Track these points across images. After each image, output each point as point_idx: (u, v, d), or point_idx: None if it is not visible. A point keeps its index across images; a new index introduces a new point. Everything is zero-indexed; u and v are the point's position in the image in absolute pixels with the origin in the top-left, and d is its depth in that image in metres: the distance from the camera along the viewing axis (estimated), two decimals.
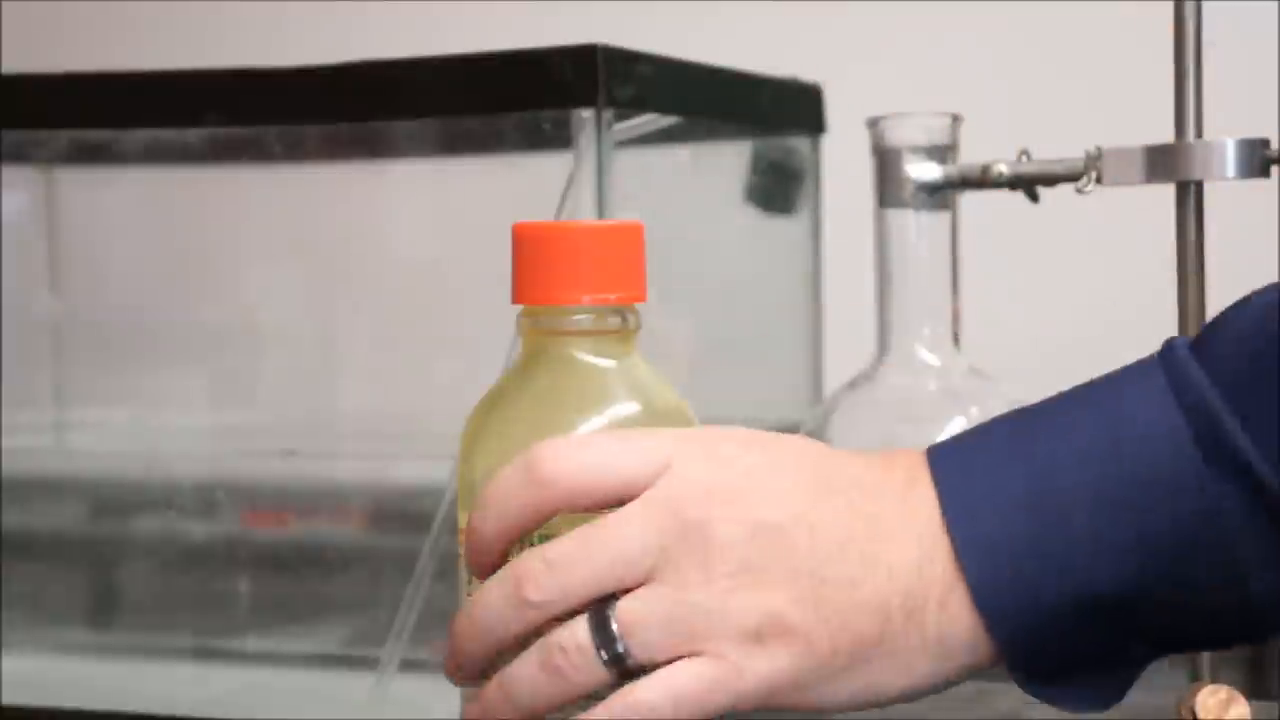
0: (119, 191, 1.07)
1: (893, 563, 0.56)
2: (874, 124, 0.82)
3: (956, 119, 0.82)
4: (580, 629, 0.55)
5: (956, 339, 0.84)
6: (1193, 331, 0.75)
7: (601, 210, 0.84)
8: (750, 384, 0.98)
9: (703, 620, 0.54)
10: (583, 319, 0.59)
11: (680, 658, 0.55)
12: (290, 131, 0.93)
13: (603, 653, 0.54)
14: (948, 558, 0.56)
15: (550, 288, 0.59)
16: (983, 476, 0.56)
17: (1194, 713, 0.71)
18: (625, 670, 0.55)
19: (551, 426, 0.58)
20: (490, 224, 0.98)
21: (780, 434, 0.59)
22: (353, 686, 0.94)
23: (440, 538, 0.88)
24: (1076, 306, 1.28)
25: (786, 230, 1.00)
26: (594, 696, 0.55)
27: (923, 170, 0.80)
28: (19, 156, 1.04)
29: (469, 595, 0.58)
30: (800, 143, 1.00)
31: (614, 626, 0.54)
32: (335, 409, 1.07)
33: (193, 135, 0.95)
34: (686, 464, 0.56)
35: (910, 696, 0.57)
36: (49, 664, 1.03)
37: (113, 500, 1.07)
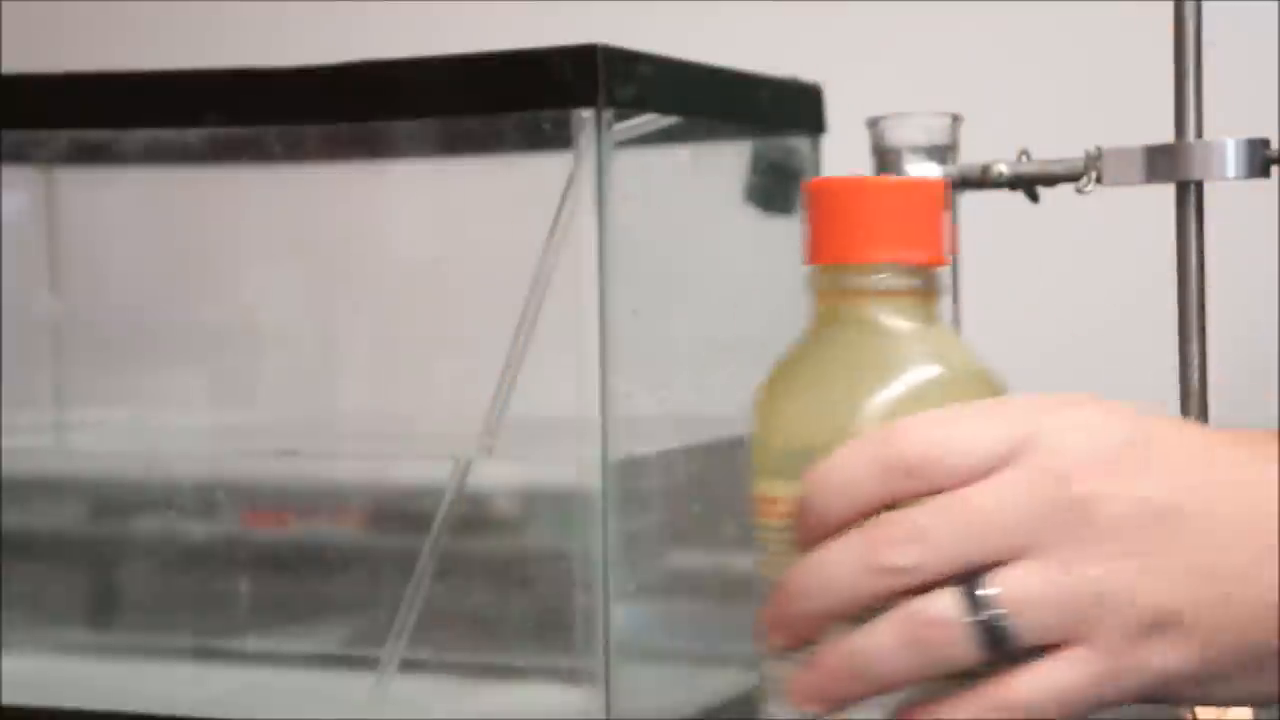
0: (119, 191, 1.07)
1: None
2: (874, 124, 0.82)
3: (956, 119, 0.82)
4: (950, 602, 0.50)
5: None
6: (1193, 332, 0.75)
7: (601, 210, 0.84)
8: (750, 384, 0.98)
9: (1095, 605, 0.50)
10: (883, 278, 0.57)
11: (1063, 645, 0.51)
12: (290, 131, 0.93)
13: (980, 630, 0.50)
14: None
15: (850, 245, 0.57)
16: None
17: (1194, 713, 0.71)
18: (1004, 652, 0.51)
19: (852, 391, 0.56)
20: (490, 224, 0.98)
21: (1137, 404, 0.54)
22: (353, 686, 0.94)
23: (440, 538, 0.88)
24: (1076, 306, 1.28)
25: (786, 230, 1.00)
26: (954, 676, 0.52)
27: (923, 170, 0.80)
28: (19, 156, 1.03)
29: (776, 565, 0.55)
30: (800, 143, 1.00)
31: (994, 601, 0.50)
32: (335, 409, 1.07)
33: (193, 135, 0.95)
34: (1057, 434, 0.52)
35: None
36: (49, 664, 1.03)
37: (113, 500, 1.07)
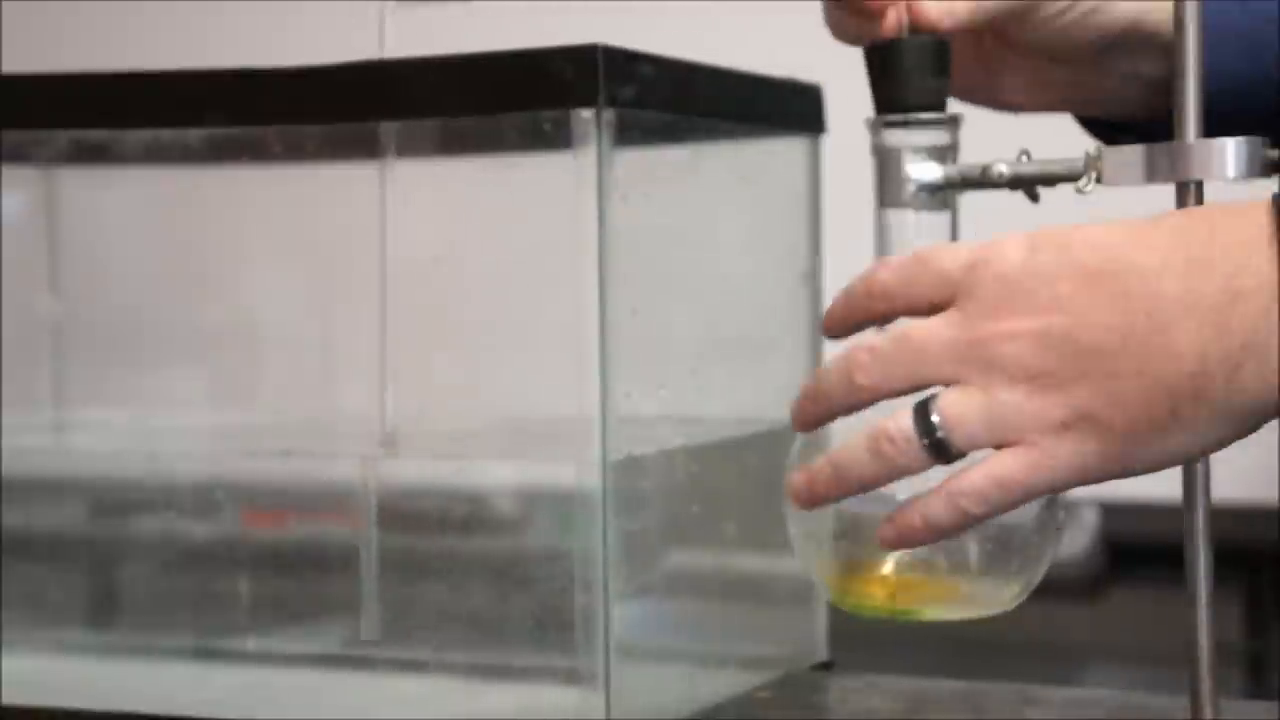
0: (119, 191, 1.07)
1: (1176, 348, 0.62)
2: (874, 124, 0.82)
3: (956, 119, 0.81)
4: (905, 420, 0.65)
5: None
6: None
7: (601, 210, 0.84)
8: (750, 384, 0.98)
9: (1015, 415, 0.63)
10: None
11: (999, 448, 0.64)
12: (290, 131, 0.93)
13: (925, 441, 0.64)
14: (1242, 331, 0.62)
15: None
16: None
17: None
18: (946, 457, 0.65)
19: None
20: (490, 224, 0.98)
21: (1079, 227, 0.65)
22: (353, 686, 0.94)
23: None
24: None
25: (786, 230, 1.00)
26: None
27: (923, 170, 0.79)
28: (19, 156, 1.03)
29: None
30: (800, 143, 1.00)
31: (936, 419, 0.64)
32: (335, 409, 1.07)
33: (193, 135, 0.95)
34: (980, 280, 0.64)
35: (1205, 454, 0.66)
36: (49, 664, 1.03)
37: (113, 500, 1.07)
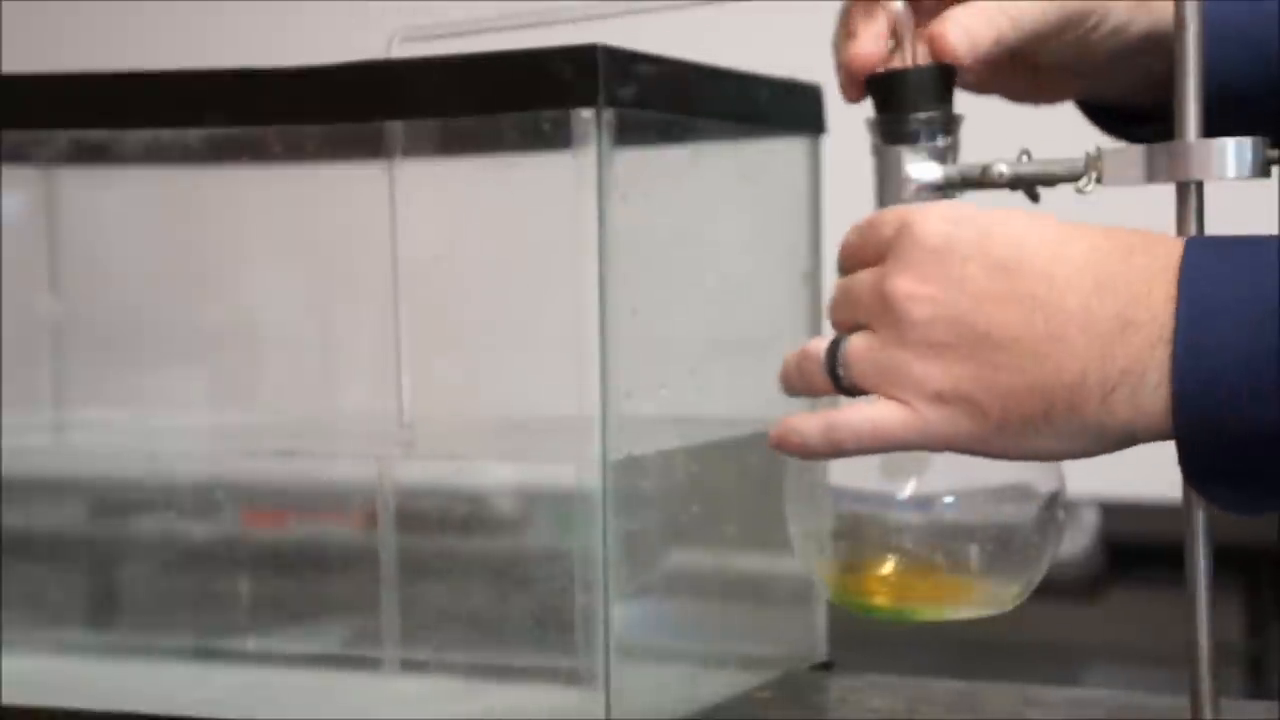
0: (119, 191, 1.07)
1: (1061, 361, 0.65)
2: (874, 124, 0.82)
3: (956, 119, 0.81)
4: (823, 347, 0.71)
5: None
6: None
7: (601, 210, 0.84)
8: (750, 384, 0.98)
9: (902, 373, 0.68)
10: None
11: (883, 397, 0.69)
12: (290, 131, 0.93)
13: (828, 369, 0.70)
14: (1125, 358, 0.65)
15: None
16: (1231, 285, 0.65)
17: None
18: (842, 389, 0.70)
19: None
20: (490, 224, 0.98)
21: (1014, 214, 0.69)
22: (353, 686, 0.94)
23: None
24: None
25: (787, 230, 1.00)
26: None
27: (923, 170, 0.80)
28: (19, 156, 1.04)
29: None
30: (800, 143, 1.00)
31: (839, 354, 0.70)
32: (335, 409, 1.07)
33: (193, 135, 0.95)
34: (908, 244, 0.68)
35: (1070, 458, 0.69)
36: (49, 664, 1.03)
37: (113, 500, 1.07)
